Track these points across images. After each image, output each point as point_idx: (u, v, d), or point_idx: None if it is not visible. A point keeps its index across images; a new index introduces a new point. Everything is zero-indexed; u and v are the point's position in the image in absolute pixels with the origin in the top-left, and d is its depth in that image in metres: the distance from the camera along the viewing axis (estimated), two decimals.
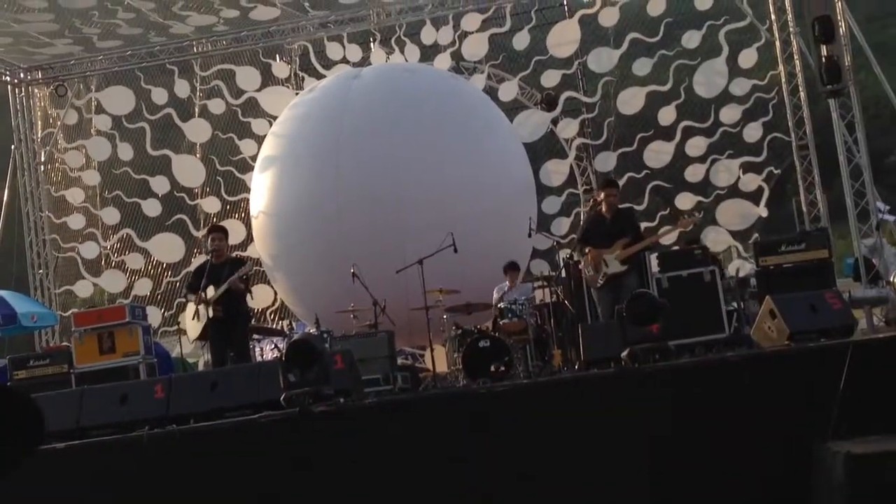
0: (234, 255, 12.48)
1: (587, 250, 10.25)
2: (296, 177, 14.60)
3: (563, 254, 12.73)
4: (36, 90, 19.90)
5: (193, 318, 10.64)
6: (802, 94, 16.83)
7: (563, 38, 17.68)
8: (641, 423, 7.18)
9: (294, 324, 15.52)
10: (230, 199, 18.51)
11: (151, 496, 7.69)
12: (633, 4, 18.17)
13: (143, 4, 17.19)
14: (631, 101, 17.39)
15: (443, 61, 17.84)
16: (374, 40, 18.52)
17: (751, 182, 16.68)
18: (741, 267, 14.82)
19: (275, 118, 16.72)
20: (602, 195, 10.55)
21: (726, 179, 16.91)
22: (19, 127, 19.81)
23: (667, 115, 17.21)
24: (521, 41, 17.93)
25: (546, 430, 7.33)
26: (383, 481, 7.46)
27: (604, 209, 10.47)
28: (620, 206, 10.70)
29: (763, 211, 16.58)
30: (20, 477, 7.70)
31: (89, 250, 19.00)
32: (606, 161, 17.55)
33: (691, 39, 17.27)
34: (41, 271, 19.42)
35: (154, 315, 16.88)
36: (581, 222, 11.82)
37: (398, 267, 11.44)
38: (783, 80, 16.98)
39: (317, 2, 18.09)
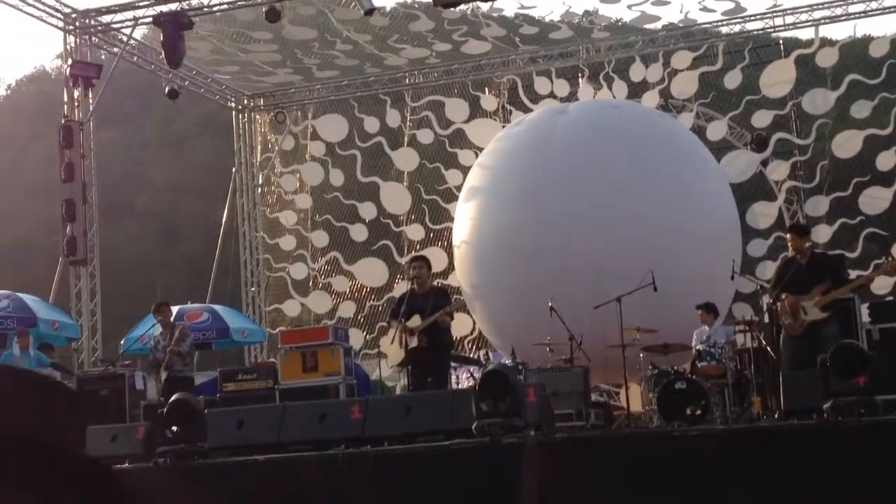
0: (437, 283, 12.65)
1: (783, 297, 9.85)
2: (499, 209, 14.71)
3: (767, 298, 12.35)
4: (257, 116, 20.86)
5: (394, 343, 10.81)
6: None
7: (778, 77, 17.25)
8: (841, 479, 6.87)
9: (490, 354, 15.60)
10: (434, 227, 18.84)
11: None
12: (853, 44, 17.61)
13: (361, 37, 17.80)
14: (847, 144, 16.79)
15: (651, 99, 17.69)
16: (583, 76, 18.56)
17: None
18: None
19: (481, 149, 16.93)
20: (789, 240, 10.10)
21: None
22: (240, 150, 20.79)
23: (886, 160, 16.53)
24: (733, 80, 17.61)
25: (738, 478, 7.11)
26: None
27: (797, 255, 10.05)
28: (817, 252, 10.23)
29: None
30: (221, 483, 8.02)
31: (298, 271, 19.69)
32: (818, 205, 16.97)
33: None
34: (253, 289, 20.26)
35: (356, 337, 17.32)
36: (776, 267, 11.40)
37: (596, 303, 11.35)
38: None
39: (527, 37, 18.27)
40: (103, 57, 17.31)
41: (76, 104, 16.07)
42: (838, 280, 9.82)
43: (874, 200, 16.63)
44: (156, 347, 12.40)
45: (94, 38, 16.83)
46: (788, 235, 10.13)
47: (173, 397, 8.82)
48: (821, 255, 10.14)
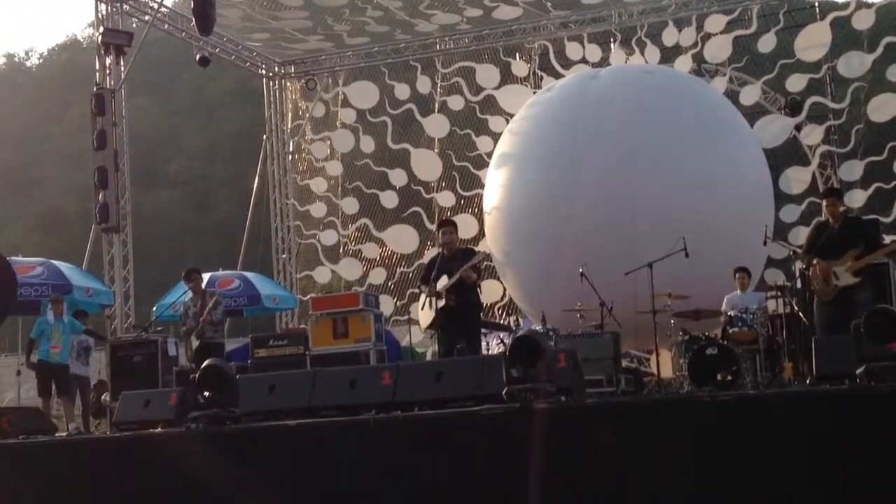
0: (464, 246, 12.66)
1: (815, 262, 9.79)
2: (530, 175, 14.67)
3: (800, 264, 12.26)
4: (288, 83, 20.87)
5: (424, 308, 10.85)
6: None
7: (813, 40, 17.03)
8: (874, 445, 6.83)
9: (521, 320, 15.61)
10: (465, 193, 18.82)
11: (375, 477, 7.92)
12: (890, 6, 17.39)
13: (392, 3, 17.74)
14: (883, 107, 16.58)
15: (684, 63, 17.53)
16: (615, 41, 18.40)
17: None
18: None
19: (512, 116, 16.86)
20: (823, 204, 10.02)
21: None
22: (271, 118, 20.82)
23: None
24: (767, 44, 17.39)
25: (771, 444, 7.09)
26: (600, 482, 7.40)
27: (829, 218, 9.97)
28: (850, 216, 10.12)
29: None
30: (252, 448, 8.10)
31: (329, 238, 19.74)
32: (852, 170, 16.80)
33: None
34: (284, 256, 20.35)
35: (386, 304, 17.38)
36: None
37: (628, 269, 11.32)
38: None
39: (559, 1, 18.13)
40: (134, 25, 17.32)
41: (108, 72, 16.11)
42: (871, 245, 9.74)
43: None
44: (185, 314, 12.48)
45: (125, 6, 16.85)
46: (825, 200, 10.04)
47: (205, 363, 8.89)
48: (853, 219, 10.05)
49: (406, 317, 15.24)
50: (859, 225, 10.15)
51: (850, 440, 6.93)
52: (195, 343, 12.15)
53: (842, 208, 9.95)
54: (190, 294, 12.64)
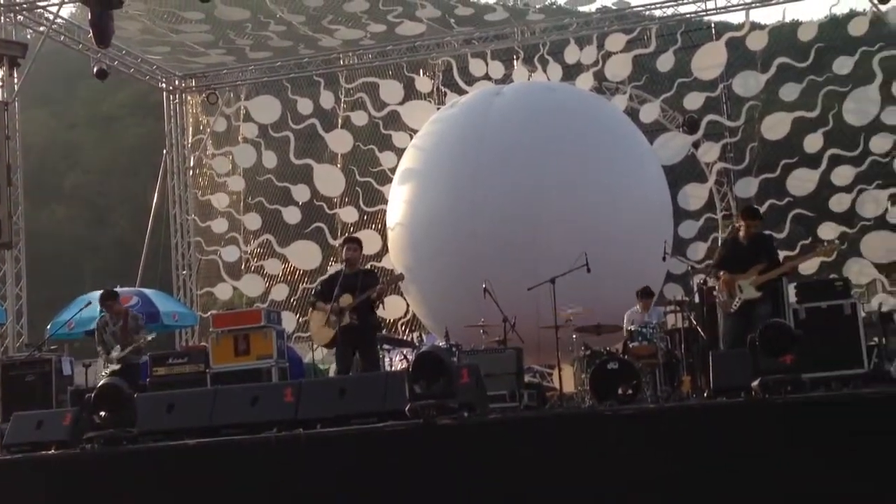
0: (370, 265, 12.63)
1: (721, 274, 10.03)
2: (433, 191, 14.72)
3: (698, 279, 12.51)
4: (189, 97, 20.60)
5: (325, 325, 10.73)
6: None
7: (709, 60, 17.45)
8: (768, 457, 6.98)
9: (424, 336, 15.63)
10: (368, 209, 18.81)
11: (277, 496, 7.83)
12: (783, 28, 17.84)
13: (295, 17, 17.65)
14: (776, 126, 17.04)
15: (585, 81, 17.79)
16: (518, 58, 18.58)
17: None
18: (884, 301, 14.31)
19: (415, 131, 16.91)
20: (743, 225, 10.28)
21: (873, 210, 16.42)
22: (171, 132, 20.53)
23: (813, 142, 16.79)
24: (666, 63, 17.75)
25: (670, 455, 7.20)
26: (504, 497, 7.43)
27: (741, 234, 10.23)
28: (757, 232, 10.38)
29: None
30: (150, 468, 7.95)
31: (231, 254, 19.51)
32: (748, 186, 17.22)
33: (843, 66, 16.82)
34: (185, 272, 20.05)
35: (289, 320, 17.23)
36: (718, 247, 11.55)
37: (530, 285, 11.41)
38: None
39: (462, 18, 18.24)
40: (29, 36, 16.93)
41: (1, 84, 15.71)
42: (774, 261, 9.99)
43: (802, 182, 16.89)
44: (102, 331, 12.04)
45: (19, 17, 16.46)
46: (748, 222, 10.17)
47: (101, 382, 8.70)
48: (761, 235, 10.28)
49: (309, 333, 15.12)
50: (766, 241, 10.39)
51: (746, 451, 7.08)
52: (113, 366, 11.74)
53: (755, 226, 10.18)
54: (93, 312, 12.24)
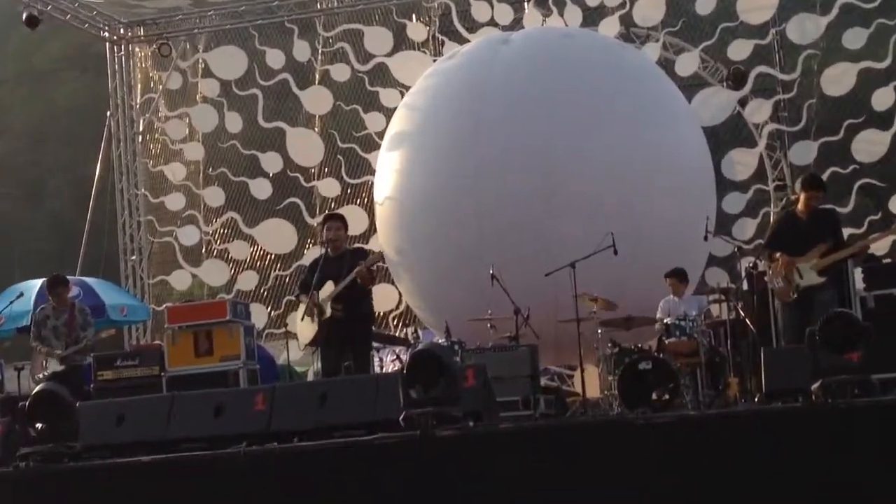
0: (354, 246, 12.63)
1: (777, 256, 10.03)
2: (430, 159, 14.68)
3: (746, 262, 12.51)
4: (137, 49, 20.55)
5: (304, 320, 10.77)
6: None
7: (758, 1, 17.36)
8: (831, 469, 7.01)
9: (420, 332, 15.63)
10: (352, 181, 18.79)
11: None
12: None
13: None
14: (839, 79, 16.99)
15: (610, 26, 17.74)
16: (529, 0, 18.52)
17: None
18: None
19: (408, 88, 16.86)
20: (803, 197, 10.27)
21: None
22: (116, 91, 20.48)
23: (883, 98, 16.75)
24: (706, 5, 17.67)
25: (714, 473, 7.22)
26: None
27: (800, 208, 10.22)
28: (820, 207, 10.37)
29: None
30: (96, 490, 7.97)
31: (189, 236, 19.49)
32: (805, 152, 17.20)
33: None
34: (134, 258, 20.05)
35: (259, 314, 17.23)
36: (770, 223, 11.54)
37: (547, 270, 11.41)
38: None
39: None
40: None
41: None
42: (839, 240, 9.99)
43: (869, 146, 16.85)
44: (41, 325, 12.04)
45: None
46: (809, 193, 10.17)
47: (37, 388, 8.72)
48: (824, 211, 10.26)
49: (283, 329, 15.16)
50: (829, 217, 10.37)
51: (805, 465, 7.10)
52: (55, 367, 11.75)
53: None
54: (28, 306, 12.27)
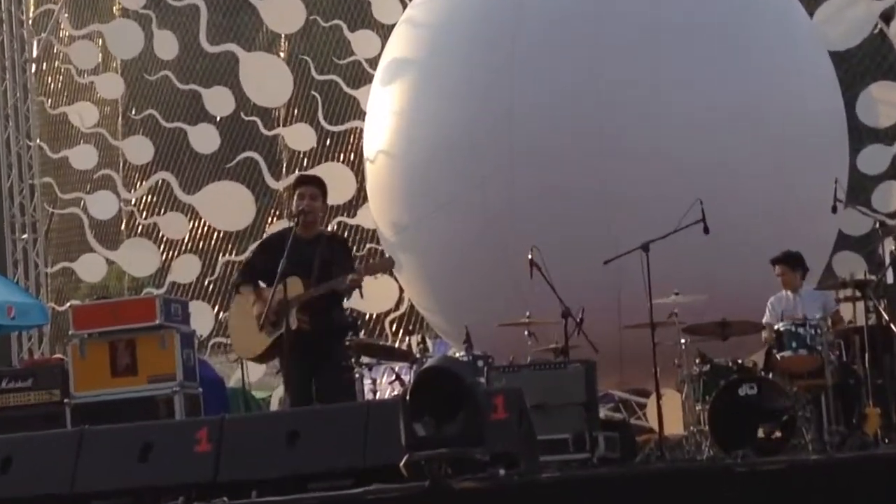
0: (334, 226, 12.61)
1: None
2: (443, 97, 14.71)
3: (891, 244, 12.47)
4: None
5: (245, 323, 10.62)
6: None
7: None
8: None
9: (429, 342, 15.67)
10: (332, 128, 18.79)
11: None
12: None
13: None
14: None
15: None
16: None
17: None
18: None
19: None
20: None
21: None
22: (0, 4, 20.50)
23: None
24: None
25: None
26: None
27: None
28: None
29: None
30: None
31: (103, 205, 19.51)
32: None
33: None
34: (25, 236, 20.07)
35: (203, 316, 17.24)
36: None
37: (605, 255, 11.42)
38: None
39: None
40: None
41: None
42: None
43: None
44: None
45: None
46: None
47: None
48: None
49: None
50: None
51: None
52: None
53: None
54: None
